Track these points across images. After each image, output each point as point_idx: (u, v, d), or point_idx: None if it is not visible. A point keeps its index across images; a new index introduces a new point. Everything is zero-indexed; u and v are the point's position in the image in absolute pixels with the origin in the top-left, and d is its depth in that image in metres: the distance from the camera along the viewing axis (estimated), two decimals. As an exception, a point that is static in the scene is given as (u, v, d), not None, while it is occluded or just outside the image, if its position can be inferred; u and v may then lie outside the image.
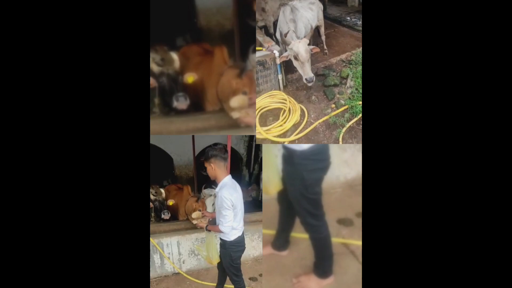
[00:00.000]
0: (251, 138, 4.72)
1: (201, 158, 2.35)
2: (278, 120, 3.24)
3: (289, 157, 2.31)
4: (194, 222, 3.30)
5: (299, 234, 2.53)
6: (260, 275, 3.20)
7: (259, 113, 3.38)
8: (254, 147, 4.80)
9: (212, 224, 2.46)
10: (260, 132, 3.12)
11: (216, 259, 2.59)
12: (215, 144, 2.35)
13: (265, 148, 2.84)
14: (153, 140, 4.29)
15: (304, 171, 2.22)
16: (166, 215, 3.58)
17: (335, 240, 2.58)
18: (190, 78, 2.56)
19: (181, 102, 2.51)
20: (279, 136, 3.13)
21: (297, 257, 2.54)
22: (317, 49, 3.45)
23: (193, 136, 4.09)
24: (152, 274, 3.27)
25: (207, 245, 2.66)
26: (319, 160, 2.26)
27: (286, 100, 3.37)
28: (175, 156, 4.41)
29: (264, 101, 3.45)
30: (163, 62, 2.55)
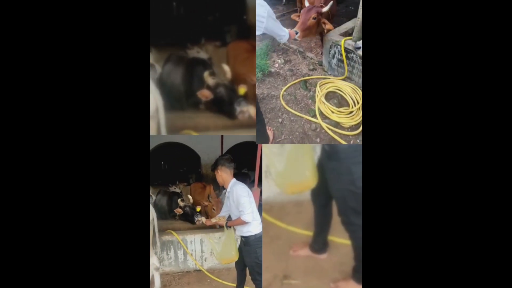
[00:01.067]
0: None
1: (211, 168, 2.62)
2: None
3: (334, 152, 2.32)
4: (213, 220, 3.27)
5: (340, 239, 2.49)
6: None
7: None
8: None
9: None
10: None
11: (235, 257, 2.58)
12: (226, 153, 2.63)
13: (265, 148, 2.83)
14: (182, 139, 4.33)
15: (352, 164, 2.21)
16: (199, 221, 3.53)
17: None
18: (242, 90, 2.60)
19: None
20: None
21: (336, 262, 2.49)
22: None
23: (222, 136, 4.09)
24: (175, 269, 3.28)
25: (225, 243, 2.64)
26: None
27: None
28: (203, 155, 4.43)
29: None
30: (210, 61, 2.59)
